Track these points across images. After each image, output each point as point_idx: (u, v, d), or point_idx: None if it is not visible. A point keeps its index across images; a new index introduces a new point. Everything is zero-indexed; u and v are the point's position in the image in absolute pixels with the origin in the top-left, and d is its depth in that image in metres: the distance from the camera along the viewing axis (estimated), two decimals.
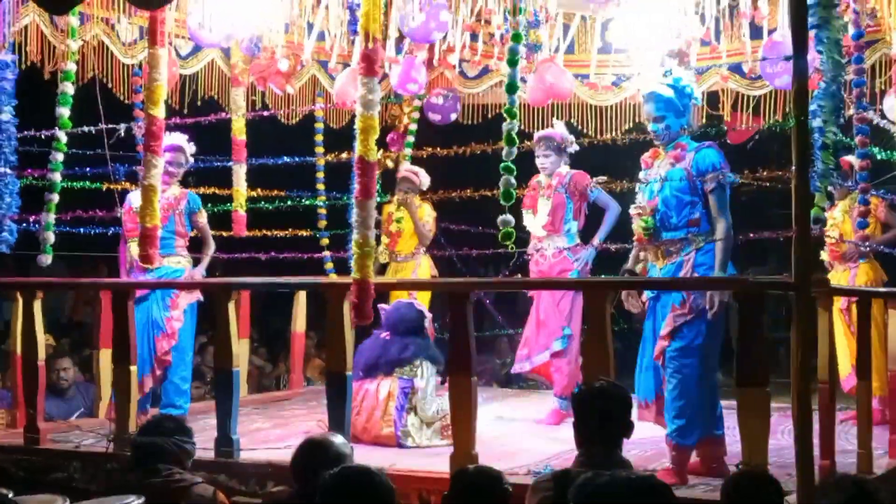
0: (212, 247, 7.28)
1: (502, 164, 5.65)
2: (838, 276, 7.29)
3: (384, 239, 8.25)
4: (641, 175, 5.53)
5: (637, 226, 5.41)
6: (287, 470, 5.05)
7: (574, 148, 7.24)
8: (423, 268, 8.22)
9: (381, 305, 6.42)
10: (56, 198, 6.88)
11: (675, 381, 5.17)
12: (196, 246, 7.24)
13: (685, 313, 5.15)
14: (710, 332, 5.19)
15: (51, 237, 6.85)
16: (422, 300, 7.09)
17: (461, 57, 8.19)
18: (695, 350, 5.16)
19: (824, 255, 7.43)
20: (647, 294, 5.45)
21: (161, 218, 6.22)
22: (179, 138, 7.03)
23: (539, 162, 7.17)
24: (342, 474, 3.26)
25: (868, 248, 7.05)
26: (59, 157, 6.86)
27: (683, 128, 5.42)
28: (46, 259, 6.90)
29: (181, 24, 7.46)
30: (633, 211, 5.47)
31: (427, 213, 8.19)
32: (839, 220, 7.36)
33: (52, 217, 6.85)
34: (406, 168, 8.43)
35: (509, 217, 5.76)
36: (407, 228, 8.22)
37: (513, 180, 5.69)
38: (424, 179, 8.25)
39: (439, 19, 6.84)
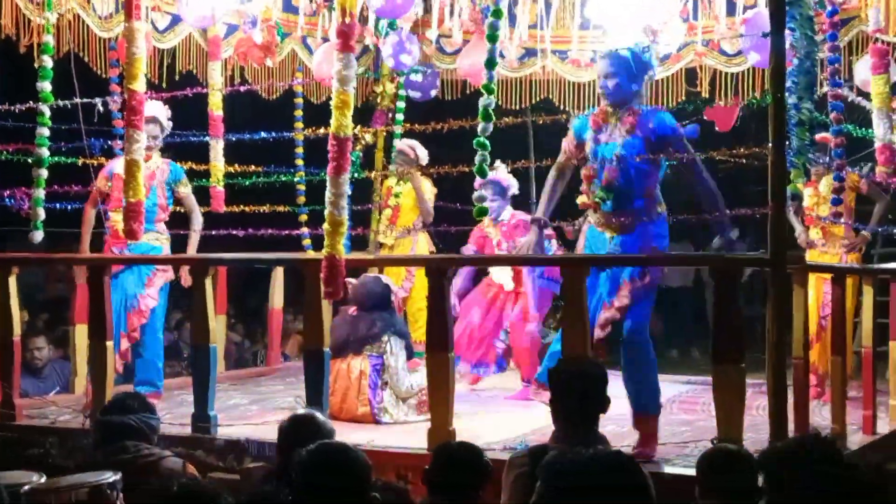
0: (198, 220, 7.15)
1: (476, 140, 5.64)
2: (828, 258, 7.33)
3: (386, 212, 8.28)
4: (589, 135, 5.41)
5: (591, 196, 5.33)
6: (264, 446, 5.09)
7: (515, 191, 7.49)
8: (421, 244, 8.23)
9: (349, 280, 6.40)
10: (45, 173, 6.76)
11: (636, 354, 5.20)
12: (180, 221, 7.15)
13: (645, 285, 5.17)
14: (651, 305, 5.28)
15: (41, 213, 6.73)
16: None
17: (440, 32, 8.16)
18: (647, 322, 5.25)
19: (816, 234, 7.45)
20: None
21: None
22: (153, 108, 6.83)
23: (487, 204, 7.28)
24: (319, 451, 3.26)
25: (844, 224, 7.11)
26: (45, 131, 6.73)
27: (635, 93, 5.37)
28: (38, 235, 6.79)
29: None
30: (585, 173, 5.39)
31: (428, 189, 8.21)
32: (824, 194, 7.36)
33: (41, 192, 6.74)
34: (403, 141, 8.44)
35: (484, 193, 5.76)
36: (405, 203, 8.23)
37: (488, 156, 5.68)
38: (421, 153, 8.25)
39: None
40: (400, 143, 8.43)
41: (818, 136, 6.81)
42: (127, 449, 4.41)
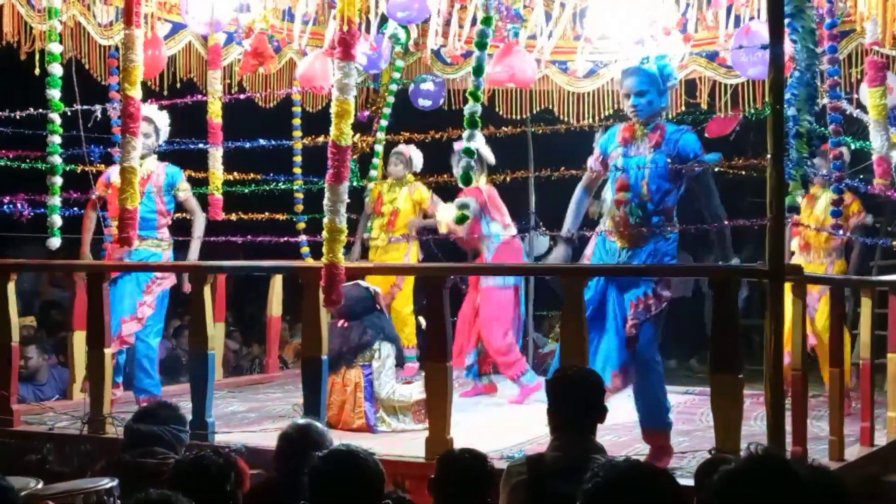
0: (201, 224, 7.08)
1: (463, 147, 5.64)
2: (814, 269, 7.34)
3: (378, 220, 8.31)
4: (617, 150, 5.42)
5: (621, 209, 5.32)
6: (261, 453, 5.08)
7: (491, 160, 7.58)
8: (413, 252, 8.28)
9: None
10: (59, 181, 6.76)
11: (649, 369, 5.21)
12: (181, 226, 7.12)
13: (659, 302, 5.18)
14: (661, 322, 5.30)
15: (58, 220, 6.73)
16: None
17: (443, 43, 8.18)
18: (656, 339, 5.27)
19: (794, 245, 7.48)
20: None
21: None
22: (147, 109, 6.76)
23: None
24: (333, 457, 3.26)
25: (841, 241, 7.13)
26: (57, 139, 6.73)
27: (662, 108, 5.40)
28: (56, 242, 6.76)
29: (161, 6, 7.41)
30: (617, 191, 5.35)
31: (425, 196, 8.30)
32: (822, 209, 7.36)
33: (57, 200, 6.74)
34: (400, 146, 8.51)
35: (468, 199, 5.77)
36: (404, 209, 8.28)
37: (473, 164, 5.67)
38: (416, 159, 8.31)
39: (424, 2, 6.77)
40: (400, 146, 8.49)
41: (824, 147, 6.80)
42: (154, 454, 4.43)
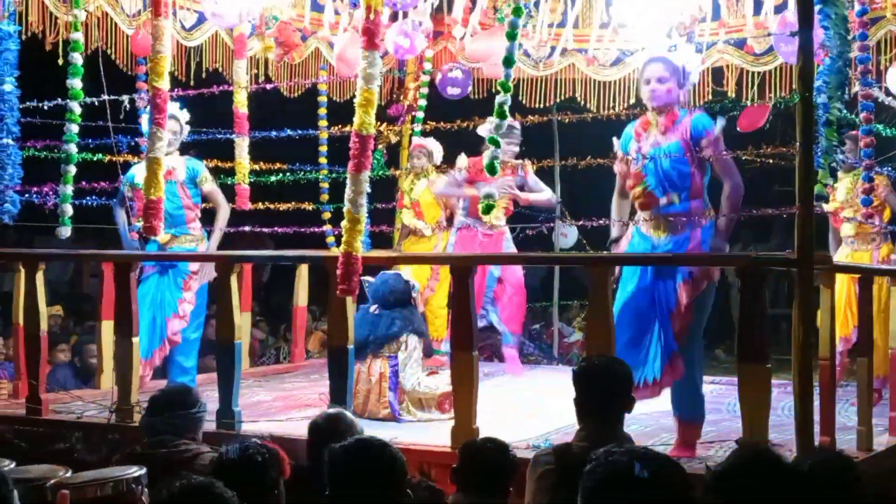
0: (225, 215, 7.01)
1: (489, 137, 5.63)
2: (860, 256, 7.26)
3: (406, 212, 8.36)
4: (633, 146, 5.40)
5: (638, 191, 5.33)
6: (288, 442, 5.09)
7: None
8: (443, 245, 8.30)
9: (366, 278, 6.39)
10: (73, 169, 6.78)
11: (693, 359, 5.19)
12: (212, 219, 7.12)
13: (700, 289, 5.15)
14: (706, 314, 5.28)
15: (69, 209, 6.77)
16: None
17: (473, 31, 8.15)
18: (700, 331, 5.26)
19: (850, 230, 7.34)
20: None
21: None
22: (171, 106, 6.61)
23: None
24: (354, 446, 3.26)
25: (879, 227, 7.05)
26: (74, 128, 6.75)
27: (678, 100, 5.35)
28: (66, 231, 6.82)
29: None
30: (631, 179, 5.37)
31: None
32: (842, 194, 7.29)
33: (69, 189, 6.78)
34: (420, 139, 8.53)
35: (493, 190, 5.76)
36: (424, 200, 8.35)
37: (499, 153, 5.65)
38: (436, 151, 8.33)
39: None
40: (420, 139, 8.55)
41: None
42: (164, 444, 4.47)
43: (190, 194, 6.88)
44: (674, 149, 5.21)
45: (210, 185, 7.02)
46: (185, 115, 7.00)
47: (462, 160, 7.68)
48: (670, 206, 5.28)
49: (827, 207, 6.88)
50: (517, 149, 7.70)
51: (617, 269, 5.35)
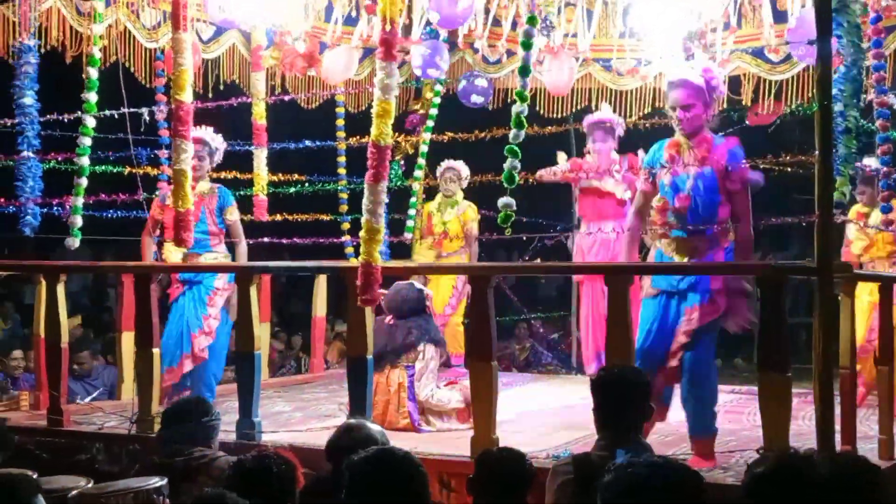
0: (244, 250, 7.00)
1: (507, 147, 5.63)
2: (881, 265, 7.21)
3: (427, 240, 8.48)
4: (664, 172, 5.35)
5: (664, 218, 5.29)
6: (308, 452, 5.11)
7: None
8: (465, 261, 8.39)
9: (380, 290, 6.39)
10: (84, 182, 6.83)
11: (699, 379, 5.18)
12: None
13: (718, 310, 5.14)
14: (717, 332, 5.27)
15: (78, 220, 6.82)
16: None
17: (488, 42, 8.18)
18: (712, 349, 5.25)
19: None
20: (652, 285, 5.37)
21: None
22: (203, 131, 6.78)
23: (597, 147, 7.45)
24: (375, 456, 3.26)
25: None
26: (87, 141, 6.80)
27: (707, 120, 5.35)
28: (74, 242, 6.87)
29: (202, 8, 7.45)
30: (656, 203, 5.34)
31: (472, 218, 8.46)
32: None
33: (80, 201, 6.83)
34: (449, 162, 8.62)
35: (510, 200, 5.76)
36: (452, 230, 8.40)
37: (517, 164, 5.65)
38: (465, 172, 8.43)
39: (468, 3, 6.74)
40: (451, 162, 8.61)
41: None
42: (180, 452, 4.49)
43: (217, 221, 6.87)
44: (709, 179, 5.19)
45: (234, 217, 6.97)
46: (218, 139, 6.98)
47: (562, 157, 7.85)
48: (695, 232, 5.26)
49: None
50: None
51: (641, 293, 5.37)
